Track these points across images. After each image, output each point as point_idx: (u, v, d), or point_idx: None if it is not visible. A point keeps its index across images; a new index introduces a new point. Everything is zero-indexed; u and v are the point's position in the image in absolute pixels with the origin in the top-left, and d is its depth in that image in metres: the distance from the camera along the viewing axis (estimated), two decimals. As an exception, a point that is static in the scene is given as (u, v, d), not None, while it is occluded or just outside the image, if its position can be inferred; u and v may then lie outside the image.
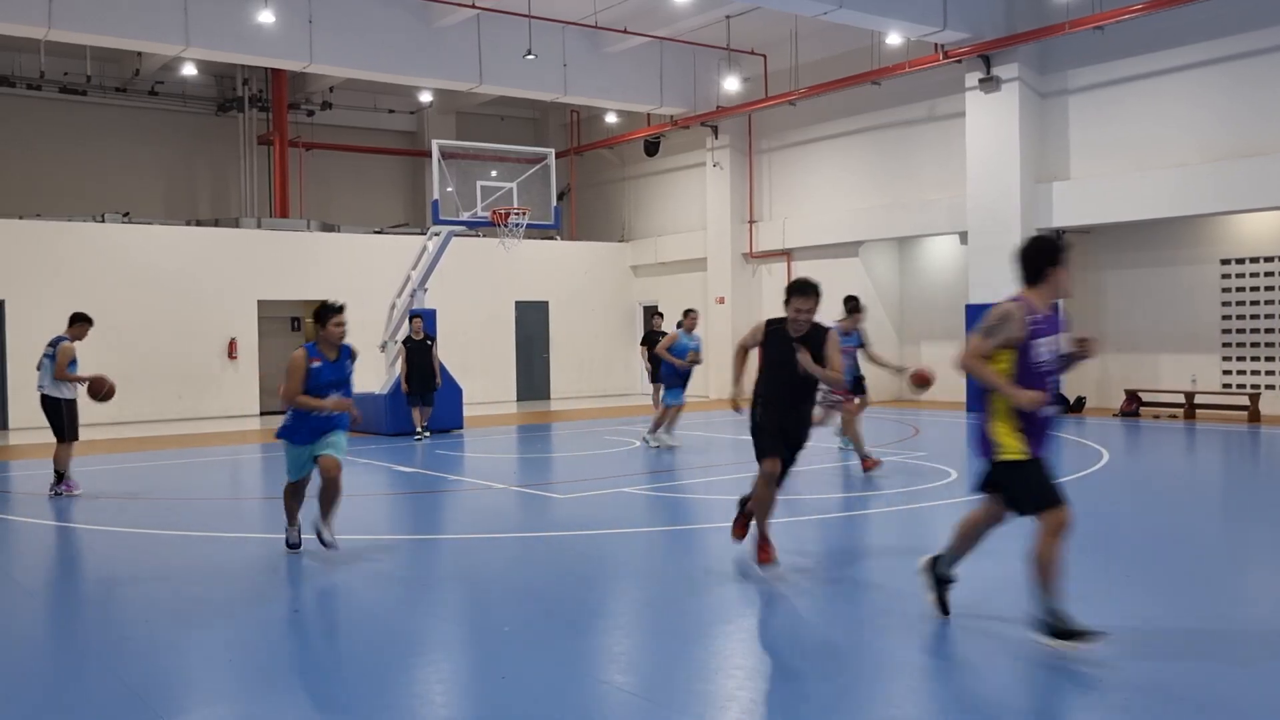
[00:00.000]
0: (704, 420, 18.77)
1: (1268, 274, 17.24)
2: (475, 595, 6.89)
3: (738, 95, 22.92)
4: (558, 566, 7.65)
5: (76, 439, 11.09)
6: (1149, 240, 18.47)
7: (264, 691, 5.01)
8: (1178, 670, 4.96)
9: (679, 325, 14.78)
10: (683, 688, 4.89)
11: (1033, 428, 5.26)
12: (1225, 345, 17.68)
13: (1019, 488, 5.23)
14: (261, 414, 21.49)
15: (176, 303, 20.75)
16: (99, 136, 23.99)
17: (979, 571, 6.27)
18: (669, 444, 14.29)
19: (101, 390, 10.69)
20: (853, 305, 12.27)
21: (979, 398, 5.42)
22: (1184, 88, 17.16)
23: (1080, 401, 19.01)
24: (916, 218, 20.79)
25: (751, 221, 24.19)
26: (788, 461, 6.99)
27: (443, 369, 16.71)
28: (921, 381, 10.74)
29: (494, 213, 16.94)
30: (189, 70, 22.85)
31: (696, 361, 14.40)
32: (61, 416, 10.92)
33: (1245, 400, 17.01)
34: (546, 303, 25.58)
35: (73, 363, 10.94)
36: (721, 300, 24.30)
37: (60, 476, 10.98)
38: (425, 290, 17.55)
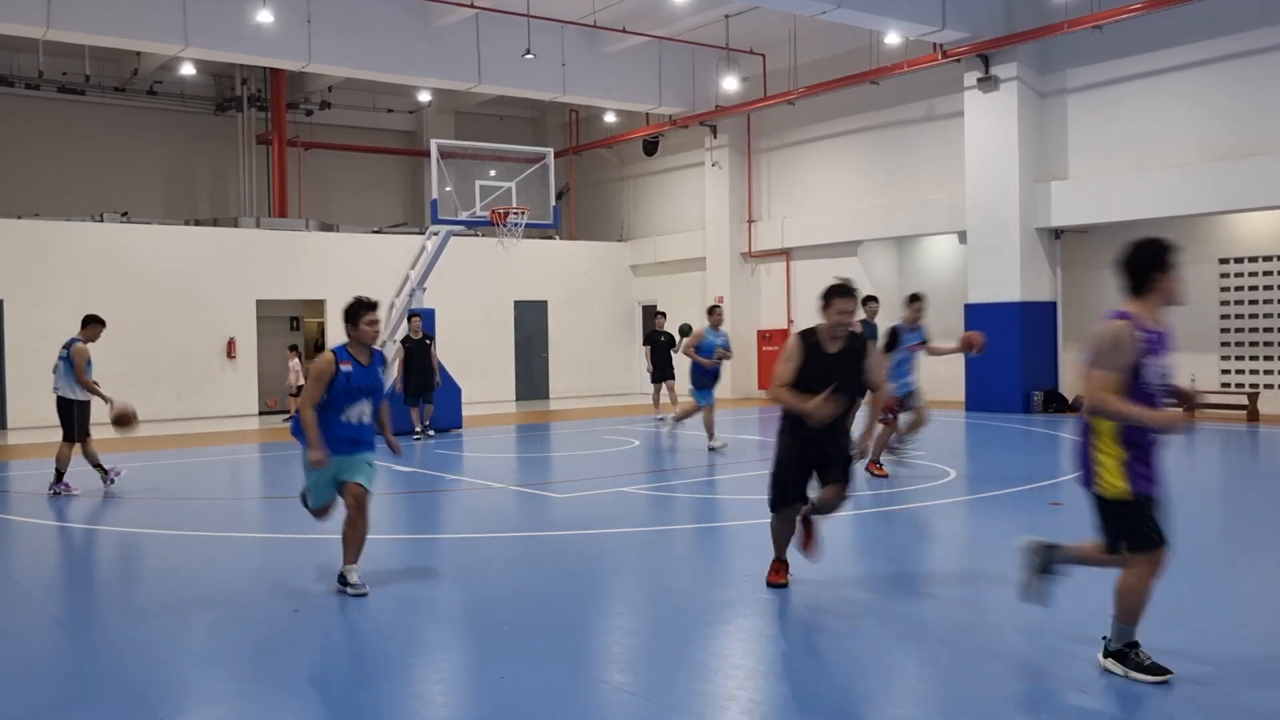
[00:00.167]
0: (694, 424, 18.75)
1: (1266, 273, 17.25)
2: (475, 595, 6.89)
3: (736, 95, 22.92)
4: (557, 566, 7.65)
5: (85, 440, 11.19)
6: (1148, 240, 18.45)
7: (264, 691, 5.01)
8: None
9: (708, 322, 14.24)
10: (683, 688, 4.89)
11: (1144, 457, 4.69)
12: (1224, 345, 17.69)
13: (1115, 526, 4.75)
14: (260, 414, 21.49)
15: (175, 302, 20.75)
16: (97, 136, 23.98)
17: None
18: (713, 446, 13.69)
19: (126, 420, 10.82)
20: (915, 296, 11.57)
21: (1086, 425, 4.81)
22: (1183, 87, 17.17)
23: (1079, 401, 19.00)
24: (915, 217, 20.80)
25: (750, 221, 24.19)
26: (842, 480, 6.28)
27: (441, 368, 16.71)
28: (973, 345, 10.62)
29: (493, 212, 16.94)
30: (188, 70, 22.84)
31: (725, 357, 14.02)
32: (73, 418, 11.08)
33: (1244, 399, 17.02)
34: (545, 302, 25.58)
35: (88, 363, 11.12)
36: (720, 300, 24.28)
37: (60, 475, 11.07)
38: (424, 290, 17.55)
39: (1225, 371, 17.68)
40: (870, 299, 12.97)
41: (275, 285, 22.00)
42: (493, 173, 17.48)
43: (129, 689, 5.02)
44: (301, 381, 20.67)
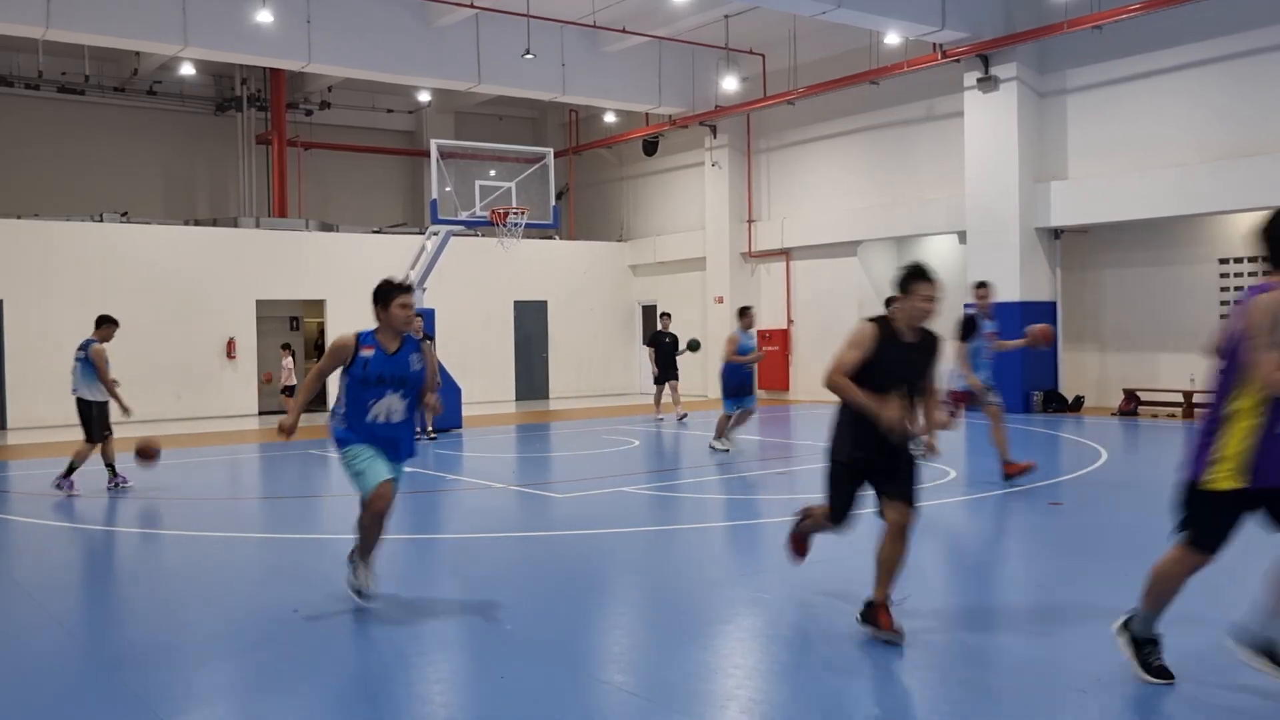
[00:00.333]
0: (703, 419, 18.76)
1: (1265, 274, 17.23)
2: (475, 595, 6.88)
3: (736, 95, 22.92)
4: (557, 566, 7.65)
5: (103, 441, 11.32)
6: (1147, 240, 18.48)
7: (264, 691, 5.01)
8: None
9: (739, 324, 13.97)
10: (682, 687, 4.89)
11: (1275, 449, 4.33)
12: (1223, 344, 17.67)
13: (1195, 512, 4.53)
14: (260, 414, 21.49)
15: (175, 302, 20.74)
16: (97, 136, 23.98)
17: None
18: (721, 447, 13.55)
19: (148, 455, 10.96)
20: (982, 284, 11.06)
21: (1215, 406, 4.50)
22: (1182, 87, 17.17)
23: (1079, 401, 19.02)
24: (915, 217, 20.80)
25: (750, 221, 24.19)
26: (909, 497, 5.57)
27: (442, 368, 16.69)
28: (1040, 339, 10.18)
29: (493, 212, 16.94)
30: (187, 70, 22.84)
31: (758, 358, 13.81)
32: (92, 417, 11.20)
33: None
34: (545, 302, 25.58)
35: (107, 363, 11.25)
36: (720, 300, 24.30)
37: (71, 470, 11.16)
38: (424, 290, 17.54)
39: (1225, 371, 17.66)
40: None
41: (275, 285, 22.00)
42: (492, 173, 17.48)
43: (129, 689, 5.02)
44: (294, 381, 20.69)
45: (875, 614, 5.48)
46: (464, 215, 17.01)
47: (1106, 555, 7.53)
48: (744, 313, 14.02)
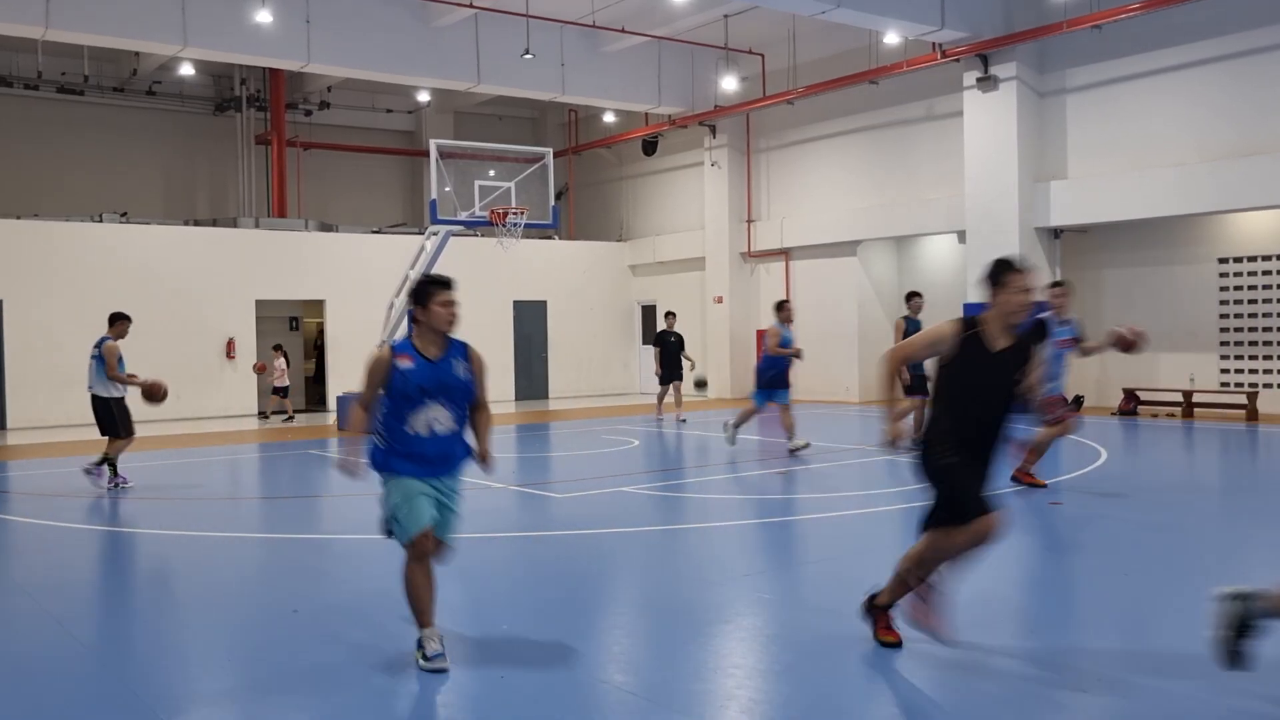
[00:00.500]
0: (703, 419, 18.76)
1: (1265, 273, 17.25)
2: (475, 595, 6.88)
3: (736, 95, 22.92)
4: (557, 566, 7.65)
5: (132, 434, 11.52)
6: (1147, 239, 18.48)
7: (264, 691, 5.01)
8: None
9: (777, 318, 13.66)
10: (682, 687, 4.89)
11: None
12: (1223, 344, 17.70)
13: None
14: (260, 414, 21.48)
15: (174, 303, 20.74)
16: (96, 136, 23.98)
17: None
18: (730, 439, 13.48)
19: (157, 395, 11.14)
20: (1059, 283, 10.24)
21: None
22: (1182, 87, 17.18)
23: (1079, 400, 19.01)
24: (914, 217, 20.80)
25: (750, 221, 24.19)
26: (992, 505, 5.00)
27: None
28: (1131, 343, 8.92)
29: (492, 212, 16.94)
30: (186, 70, 22.83)
31: (796, 354, 13.42)
32: (112, 415, 11.34)
33: (1243, 399, 17.03)
34: (545, 302, 25.58)
35: (119, 361, 11.36)
36: (720, 300, 24.30)
37: (114, 468, 11.39)
38: (424, 290, 17.53)
39: (1225, 371, 17.69)
40: (915, 294, 12.68)
41: (274, 286, 22.00)
42: (492, 173, 17.47)
43: (129, 689, 5.02)
44: (285, 382, 20.68)
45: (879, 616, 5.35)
46: (463, 215, 17.01)
47: (1106, 554, 7.53)
48: (782, 306, 13.71)
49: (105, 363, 11.20)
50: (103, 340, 11.36)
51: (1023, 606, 6.45)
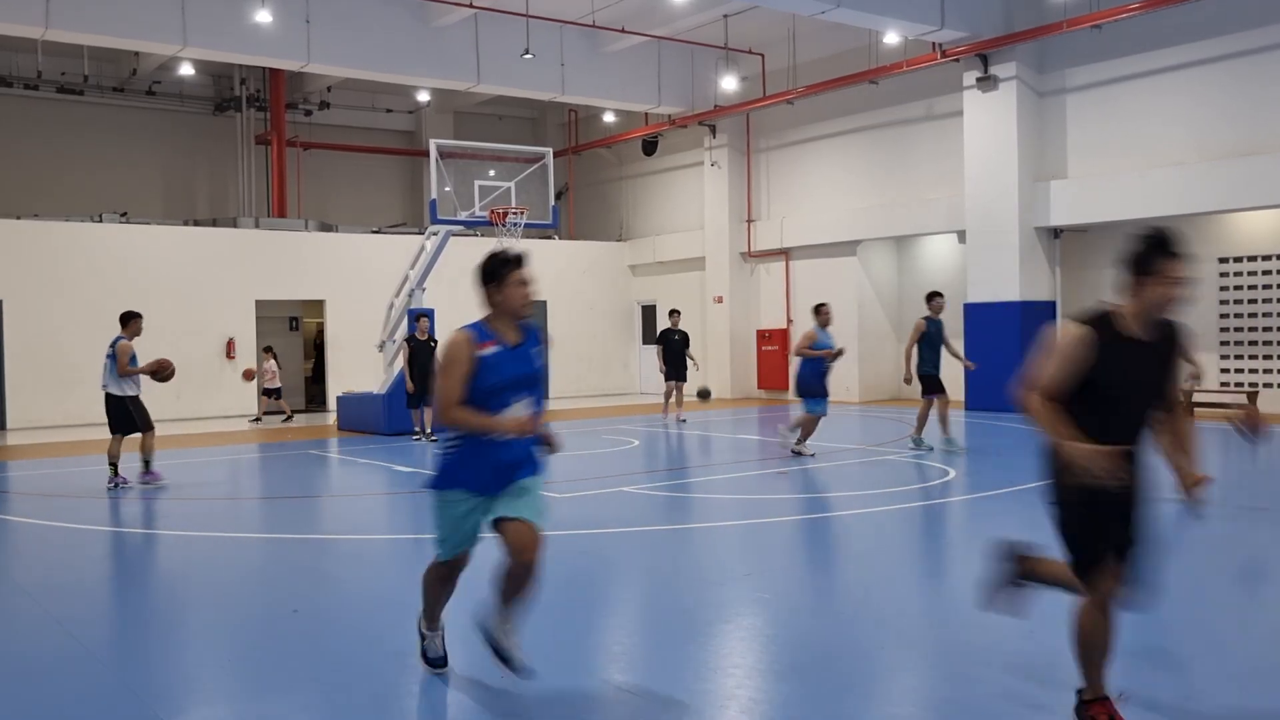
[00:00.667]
0: (702, 418, 18.76)
1: (1265, 273, 17.26)
2: (475, 595, 6.88)
3: (735, 94, 22.92)
4: (557, 566, 7.63)
5: (152, 429, 11.71)
6: (1147, 239, 18.46)
7: (264, 691, 5.01)
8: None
9: (815, 321, 13.16)
10: (683, 688, 4.89)
11: None
12: (1223, 344, 17.70)
13: None
14: (254, 419, 21.46)
15: (174, 303, 20.74)
16: (96, 136, 23.97)
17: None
18: (798, 449, 12.86)
19: (164, 371, 11.44)
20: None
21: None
22: (1181, 86, 17.17)
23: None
24: (914, 217, 20.80)
25: (749, 221, 24.19)
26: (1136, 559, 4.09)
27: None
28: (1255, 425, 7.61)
29: (492, 212, 16.94)
30: (186, 70, 22.83)
31: (837, 355, 12.97)
32: (128, 412, 11.47)
33: (1243, 398, 17.02)
34: (544, 302, 25.58)
35: (133, 358, 11.48)
36: (720, 300, 24.30)
37: (114, 467, 11.49)
38: (423, 290, 17.55)
39: (1225, 370, 17.69)
40: (936, 294, 12.74)
41: (274, 285, 22.00)
42: (492, 173, 17.47)
43: (129, 689, 5.02)
44: (276, 384, 20.38)
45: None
46: (463, 215, 17.01)
47: (1106, 554, 7.52)
48: (820, 309, 13.22)
49: (117, 361, 11.31)
50: (117, 340, 11.45)
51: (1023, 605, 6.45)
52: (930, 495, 10.19)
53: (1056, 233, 19.06)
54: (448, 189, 16.89)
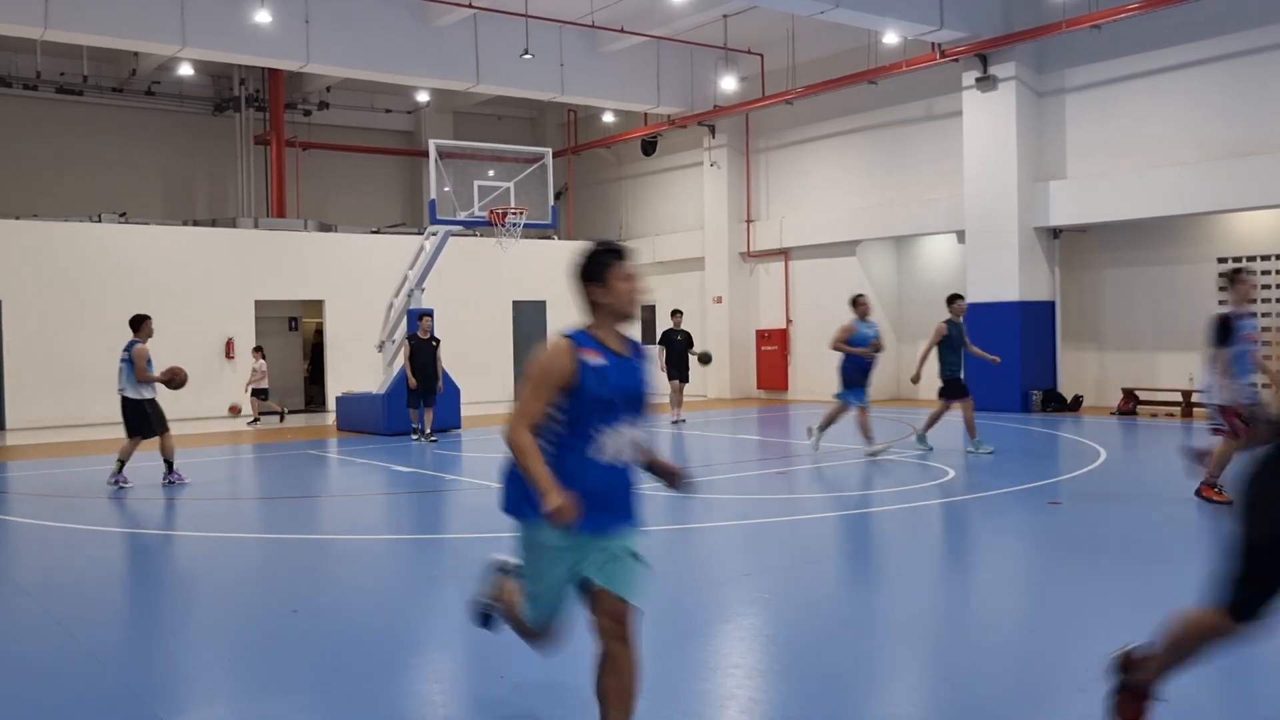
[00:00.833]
0: (702, 419, 18.76)
1: (1265, 273, 17.25)
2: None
3: (735, 95, 22.93)
4: (557, 566, 7.64)
5: (168, 431, 11.78)
6: (1146, 239, 18.49)
7: (264, 691, 5.01)
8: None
9: (854, 314, 12.77)
10: (682, 688, 4.89)
11: None
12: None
13: None
14: (251, 421, 21.46)
15: (174, 303, 20.71)
16: (95, 136, 23.97)
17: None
18: (876, 450, 12.47)
19: (177, 379, 11.56)
20: (1238, 271, 9.10)
21: None
22: (1181, 86, 17.18)
23: (1078, 400, 19.03)
24: (914, 217, 20.81)
25: (749, 221, 24.19)
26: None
27: (444, 374, 16.57)
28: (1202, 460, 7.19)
29: (491, 212, 16.94)
30: (185, 70, 22.83)
31: (879, 349, 12.62)
32: (145, 415, 11.55)
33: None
34: (544, 302, 25.57)
35: (149, 362, 11.62)
36: (719, 300, 24.31)
37: (170, 466, 11.62)
38: (423, 290, 17.54)
39: (1223, 371, 17.67)
40: (957, 297, 12.75)
41: (274, 286, 21.99)
42: (491, 173, 17.47)
43: (129, 689, 5.02)
44: (264, 384, 20.20)
45: None
46: (463, 215, 17.00)
47: (1104, 554, 7.54)
48: (858, 301, 12.81)
49: (135, 365, 11.41)
50: (132, 344, 11.55)
51: (1023, 605, 6.45)
52: (930, 495, 10.18)
53: (1056, 233, 19.08)
54: (447, 189, 16.88)
